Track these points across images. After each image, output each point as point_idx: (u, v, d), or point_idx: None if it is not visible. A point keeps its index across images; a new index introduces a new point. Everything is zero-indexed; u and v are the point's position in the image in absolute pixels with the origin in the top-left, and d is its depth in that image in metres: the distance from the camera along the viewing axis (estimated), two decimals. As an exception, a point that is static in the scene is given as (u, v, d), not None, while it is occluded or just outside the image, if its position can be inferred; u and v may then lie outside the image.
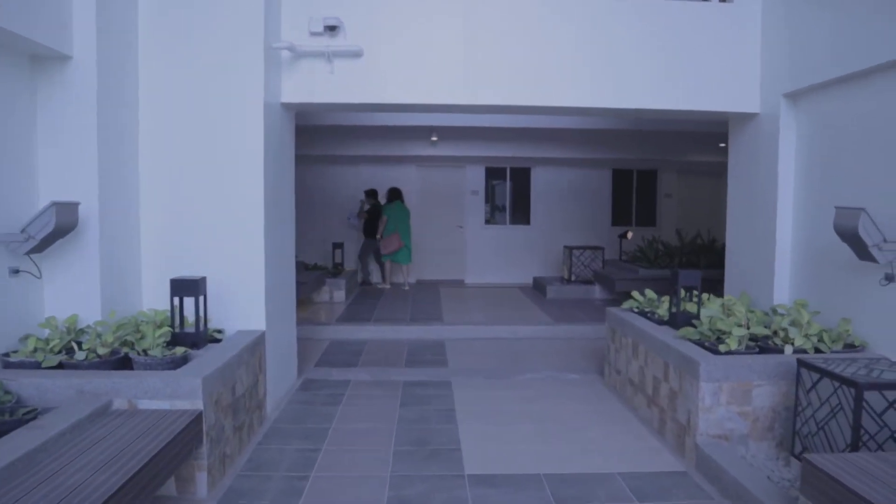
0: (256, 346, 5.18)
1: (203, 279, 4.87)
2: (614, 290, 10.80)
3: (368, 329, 8.89)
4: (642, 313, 6.22)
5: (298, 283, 9.48)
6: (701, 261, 11.24)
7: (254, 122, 5.38)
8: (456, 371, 7.13)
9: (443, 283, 14.50)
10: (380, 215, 12.98)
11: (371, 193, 13.34)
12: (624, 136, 13.71)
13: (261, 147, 5.38)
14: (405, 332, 8.87)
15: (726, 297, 5.65)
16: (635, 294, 6.53)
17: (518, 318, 9.78)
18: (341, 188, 14.68)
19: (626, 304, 6.52)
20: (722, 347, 4.64)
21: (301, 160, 15.12)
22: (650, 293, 6.51)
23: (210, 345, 4.86)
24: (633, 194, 15.30)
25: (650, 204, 15.41)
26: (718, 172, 15.18)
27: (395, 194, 13.05)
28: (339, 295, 11.05)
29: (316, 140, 13.74)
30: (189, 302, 4.80)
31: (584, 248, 12.17)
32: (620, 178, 15.26)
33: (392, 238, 12.78)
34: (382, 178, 14.65)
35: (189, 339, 4.68)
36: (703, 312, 5.12)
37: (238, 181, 5.39)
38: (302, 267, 11.49)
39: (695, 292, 5.68)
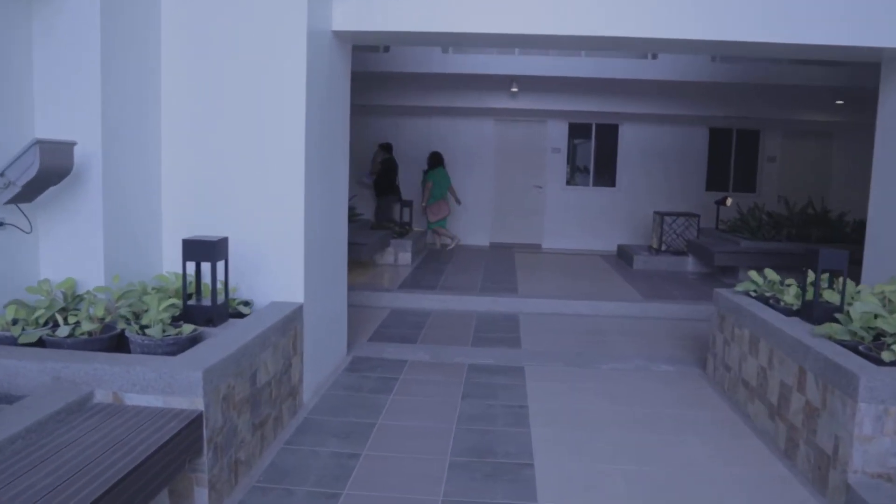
0: (290, 322, 4.31)
1: (224, 240, 4.01)
2: (712, 264, 9.55)
3: (433, 298, 7.97)
4: (762, 299, 5.06)
5: (360, 245, 8.70)
6: (812, 234, 9.83)
7: (295, 53, 4.44)
8: (530, 354, 6.15)
9: (518, 246, 13.47)
10: (393, 170, 12.23)
11: (385, 147, 12.42)
12: (724, 90, 12.25)
13: (302, 85, 4.45)
14: (474, 304, 7.92)
15: (878, 285, 4.43)
16: (753, 274, 5.36)
17: (601, 291, 8.69)
18: (414, 142, 13.72)
19: (741, 287, 5.37)
20: (886, 356, 3.49)
21: (366, 110, 14.50)
22: (771, 274, 5.33)
23: (232, 321, 4.01)
24: (731, 157, 13.79)
25: (750, 168, 13.87)
26: (829, 133, 13.57)
27: (438, 159, 12.19)
28: (405, 257, 10.17)
29: (385, 88, 12.80)
30: (208, 269, 3.95)
31: (677, 214, 10.88)
32: (718, 139, 13.77)
33: (441, 204, 12.12)
34: (456, 132, 13.63)
35: (204, 313, 3.83)
36: (857, 307, 3.94)
37: (276, 127, 4.49)
38: (365, 225, 10.67)
39: (834, 278, 4.50)
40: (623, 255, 11.55)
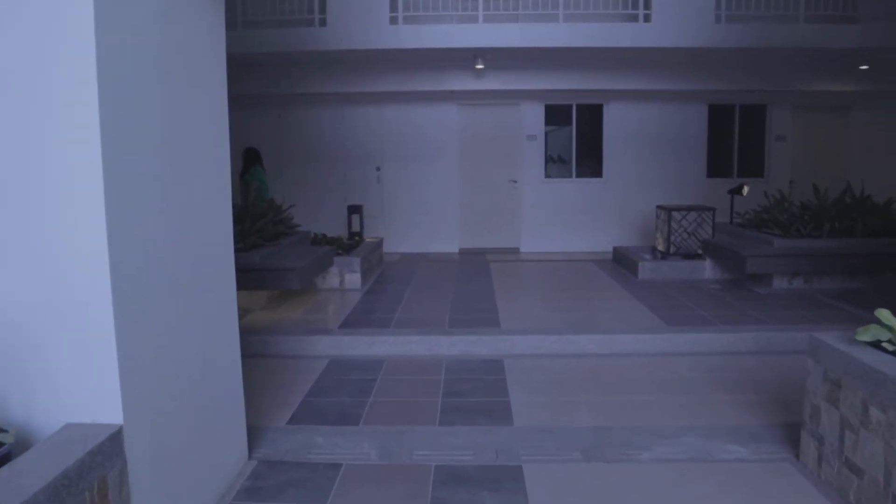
0: (92, 467, 2.21)
1: None
2: (743, 271, 7.58)
3: (387, 340, 5.88)
4: (910, 356, 3.07)
5: (286, 271, 6.60)
6: (857, 227, 7.93)
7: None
8: (527, 437, 4.09)
9: (492, 252, 11.44)
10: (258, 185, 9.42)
11: (250, 155, 9.56)
12: (725, 57, 10.37)
13: (89, 47, 2.32)
14: (442, 346, 5.84)
15: None
16: (885, 315, 3.35)
17: (610, 317, 6.67)
18: (363, 134, 11.61)
19: (863, 334, 3.36)
20: None
21: (305, 100, 12.38)
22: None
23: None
24: (734, 137, 11.89)
25: (757, 149, 11.97)
26: (846, 106, 11.73)
27: (256, 156, 9.52)
28: (353, 279, 8.05)
29: (323, 71, 10.71)
30: None
31: (687, 209, 8.91)
32: (718, 116, 11.85)
33: None
34: (413, 121, 11.53)
35: None
36: None
37: (44, 121, 2.36)
38: (304, 239, 8.54)
39: None
40: (622, 261, 9.55)
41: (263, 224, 7.74)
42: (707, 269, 8.52)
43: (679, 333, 5.84)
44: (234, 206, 8.93)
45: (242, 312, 7.00)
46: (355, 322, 6.48)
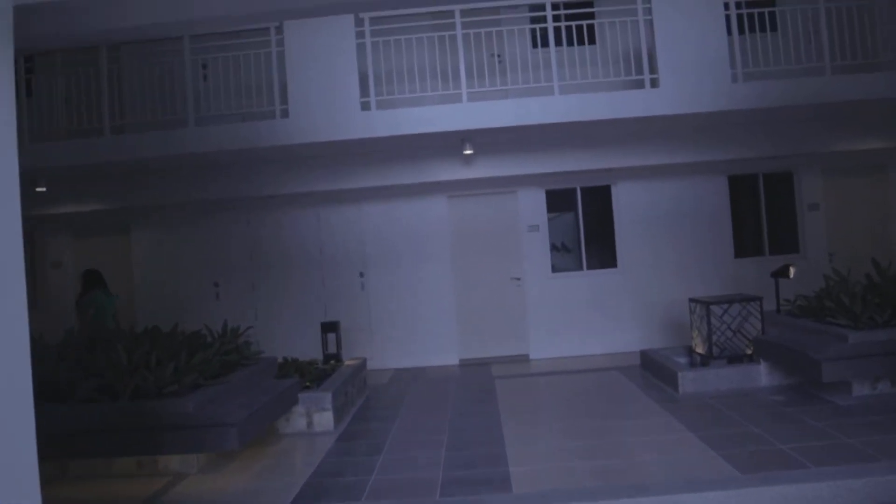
0: None
1: None
2: (817, 378, 5.96)
3: (357, 520, 4.25)
4: None
5: (229, 427, 5.01)
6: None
7: None
8: None
9: (498, 361, 9.87)
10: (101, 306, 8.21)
11: (91, 277, 8.39)
12: (742, 122, 9.18)
13: None
14: (433, 523, 4.20)
15: None
16: None
17: (655, 457, 5.03)
18: (342, 237, 10.23)
19: None
20: None
21: (275, 203, 10.10)
22: None
23: None
24: (761, 210, 10.47)
25: (787, 221, 10.52)
26: (882, 165, 10.38)
27: (96, 279, 8.33)
28: (324, 420, 6.41)
29: (294, 172, 9.45)
30: None
31: (729, 300, 7.36)
32: (741, 188, 10.47)
33: None
34: (397, 219, 10.18)
35: None
36: None
37: None
38: (270, 368, 6.99)
39: None
40: (653, 368, 7.92)
41: (208, 356, 6.22)
42: (762, 375, 6.90)
43: (763, 486, 4.18)
44: (71, 333, 7.63)
45: (173, 479, 5.39)
46: (315, 493, 4.83)
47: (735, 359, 7.21)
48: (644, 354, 8.41)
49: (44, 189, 9.22)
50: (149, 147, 8.57)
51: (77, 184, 9.62)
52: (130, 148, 8.62)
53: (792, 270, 7.78)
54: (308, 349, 9.18)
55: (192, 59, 8.68)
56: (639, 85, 8.61)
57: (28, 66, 9.20)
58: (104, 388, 5.66)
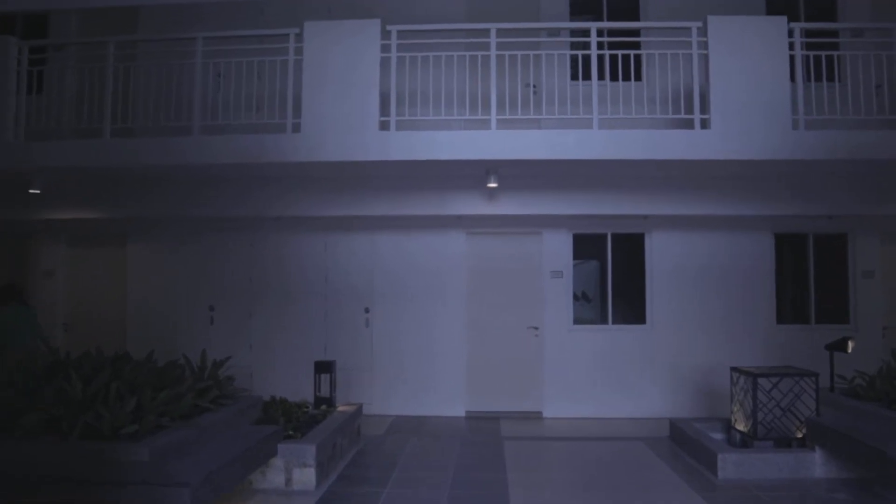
0: None
1: None
2: (892, 476, 5.02)
3: None
4: None
5: (182, 487, 4.14)
6: None
7: None
8: None
9: (508, 416, 8.97)
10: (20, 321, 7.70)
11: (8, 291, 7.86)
12: (796, 174, 8.25)
13: None
14: None
15: None
16: None
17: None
18: (349, 267, 9.44)
19: None
20: None
21: (280, 225, 9.18)
22: None
23: None
24: (809, 273, 9.56)
25: (838, 288, 9.59)
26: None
27: (9, 293, 7.82)
28: (304, 477, 5.52)
29: (303, 192, 8.72)
30: None
31: (780, 374, 6.44)
32: (788, 247, 9.59)
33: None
34: (410, 253, 9.40)
35: None
36: None
37: None
38: (251, 410, 6.14)
39: None
40: (685, 443, 6.96)
41: (180, 392, 5.40)
42: (817, 465, 5.94)
43: None
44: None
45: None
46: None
47: (782, 442, 6.26)
48: (674, 425, 7.45)
49: (38, 191, 8.53)
50: (149, 154, 7.86)
51: (74, 188, 8.92)
52: (131, 153, 7.91)
53: (850, 344, 6.85)
54: (302, 387, 8.30)
55: (203, 64, 8.02)
56: (688, 125, 7.79)
57: (40, 59, 8.56)
58: (52, 421, 4.86)
